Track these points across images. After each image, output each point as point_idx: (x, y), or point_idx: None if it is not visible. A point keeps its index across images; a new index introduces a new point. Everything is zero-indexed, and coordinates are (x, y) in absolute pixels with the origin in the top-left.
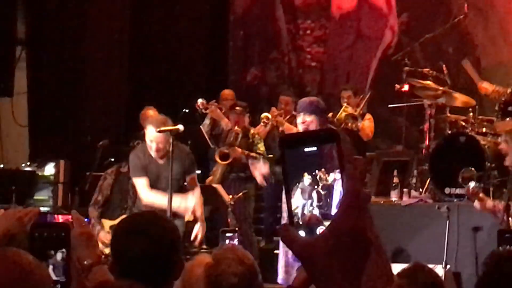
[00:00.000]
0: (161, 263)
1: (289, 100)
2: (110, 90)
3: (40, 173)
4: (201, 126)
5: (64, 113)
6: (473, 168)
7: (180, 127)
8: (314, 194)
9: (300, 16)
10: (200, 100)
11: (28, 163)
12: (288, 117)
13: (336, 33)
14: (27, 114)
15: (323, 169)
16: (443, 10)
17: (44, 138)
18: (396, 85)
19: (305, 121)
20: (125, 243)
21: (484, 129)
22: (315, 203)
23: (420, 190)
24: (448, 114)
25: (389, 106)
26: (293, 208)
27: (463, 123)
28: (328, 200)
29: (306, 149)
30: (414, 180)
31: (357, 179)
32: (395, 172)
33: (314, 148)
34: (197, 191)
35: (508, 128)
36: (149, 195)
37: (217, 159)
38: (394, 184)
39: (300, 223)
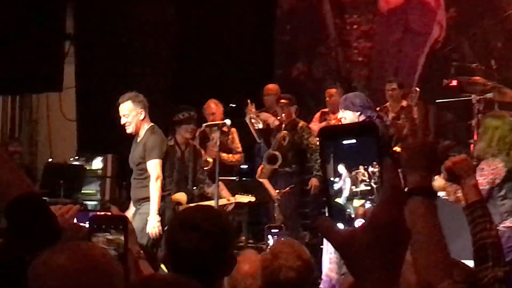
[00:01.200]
0: (215, 259)
1: (334, 92)
2: (157, 84)
3: (88, 167)
4: (246, 119)
5: (112, 107)
6: None
7: (227, 121)
8: (364, 187)
9: (347, 10)
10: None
11: (76, 157)
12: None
13: (384, 27)
14: (75, 108)
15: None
16: (492, 4)
17: (92, 132)
18: (444, 80)
19: (342, 117)
20: (180, 237)
21: None
22: (367, 196)
23: None
24: (497, 110)
25: (437, 101)
26: (339, 201)
27: None
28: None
29: (345, 142)
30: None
31: (396, 172)
32: (442, 168)
33: (353, 141)
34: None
35: None
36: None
37: (266, 163)
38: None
39: (350, 215)
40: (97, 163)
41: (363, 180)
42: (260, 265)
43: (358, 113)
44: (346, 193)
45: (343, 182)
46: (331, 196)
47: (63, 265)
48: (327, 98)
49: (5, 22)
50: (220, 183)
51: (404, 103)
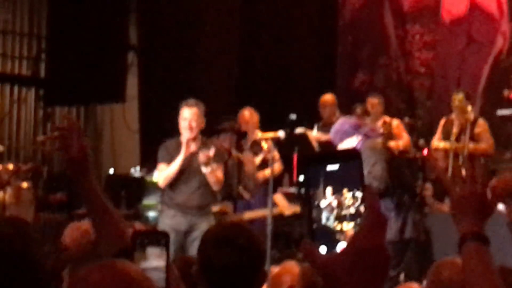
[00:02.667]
0: (247, 274)
1: (375, 102)
2: (219, 96)
3: (148, 179)
4: (307, 132)
5: (174, 118)
6: None
7: (281, 133)
8: (351, 211)
9: (409, 21)
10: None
11: (138, 168)
12: (381, 121)
13: (446, 38)
14: (138, 119)
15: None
16: None
17: (155, 143)
18: (505, 91)
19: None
20: (213, 252)
21: None
22: (355, 219)
23: None
24: None
25: (498, 113)
26: (328, 223)
27: None
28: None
29: (329, 168)
30: None
31: (377, 198)
32: None
33: (337, 167)
34: None
35: None
36: (161, 176)
37: None
38: None
39: (338, 238)
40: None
41: (349, 204)
42: (301, 277)
43: (354, 136)
44: (332, 216)
45: (330, 206)
46: (315, 220)
47: (99, 282)
48: (369, 107)
49: (69, 35)
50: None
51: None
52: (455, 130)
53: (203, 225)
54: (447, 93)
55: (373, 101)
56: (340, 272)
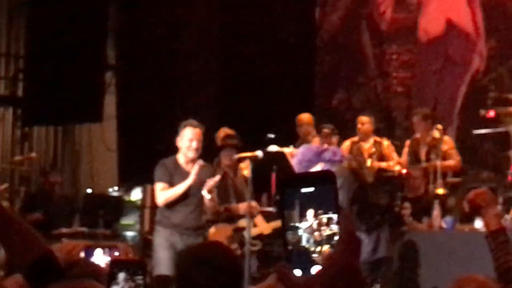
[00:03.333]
0: None
1: (365, 120)
2: (198, 116)
3: (127, 198)
4: (284, 150)
5: (152, 137)
6: None
7: (259, 153)
8: (327, 232)
9: (386, 40)
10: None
11: (116, 188)
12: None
13: (424, 58)
14: (116, 138)
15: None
16: None
17: (133, 163)
18: (481, 110)
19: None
20: (190, 271)
21: None
22: (331, 241)
23: (506, 217)
24: None
25: (474, 132)
26: (306, 245)
27: None
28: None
29: (304, 190)
30: (499, 207)
31: (352, 220)
32: None
33: (312, 189)
34: None
35: None
36: (162, 195)
37: None
38: None
39: (314, 259)
40: (136, 194)
41: (325, 225)
42: None
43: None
44: (312, 239)
45: (311, 227)
46: (290, 241)
47: None
48: (359, 126)
49: (47, 55)
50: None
51: (435, 133)
52: (423, 149)
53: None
54: None
55: (364, 120)
56: None
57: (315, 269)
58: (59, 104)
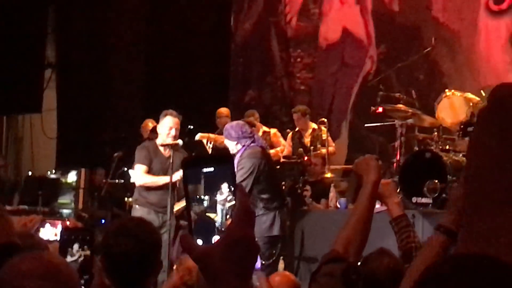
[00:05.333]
0: (142, 262)
1: (250, 114)
2: (128, 108)
3: (63, 180)
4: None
5: (88, 127)
6: (436, 181)
7: (179, 141)
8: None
9: (291, 45)
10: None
11: (54, 171)
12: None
13: (323, 61)
14: (56, 128)
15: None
16: (415, 42)
17: (70, 149)
18: (372, 107)
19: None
20: (112, 241)
21: (447, 147)
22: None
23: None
24: (417, 133)
25: (365, 125)
26: (214, 216)
27: (429, 141)
28: None
29: (205, 169)
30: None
31: (247, 196)
32: None
33: (212, 169)
34: None
35: (465, 145)
36: (142, 178)
37: None
38: None
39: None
40: (72, 176)
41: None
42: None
43: (235, 142)
44: (225, 210)
45: (221, 200)
46: (195, 213)
47: (27, 270)
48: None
49: None
50: None
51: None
52: (306, 140)
53: (172, 222)
54: (323, 108)
55: (248, 113)
56: (215, 261)
57: (215, 239)
58: (2, 96)
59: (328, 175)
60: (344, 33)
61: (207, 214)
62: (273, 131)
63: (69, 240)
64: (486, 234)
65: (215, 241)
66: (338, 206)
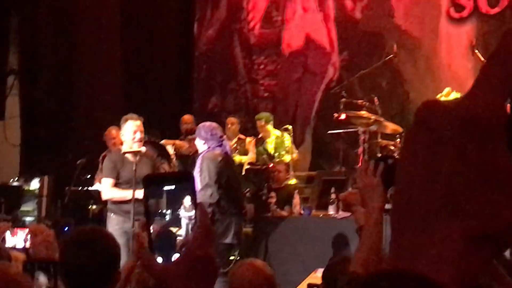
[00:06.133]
0: (101, 274)
1: (234, 121)
2: (92, 115)
3: (26, 187)
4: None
5: (51, 135)
6: None
7: (142, 149)
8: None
9: (255, 52)
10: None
11: (17, 178)
12: (236, 139)
13: (286, 68)
14: (19, 135)
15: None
16: (378, 49)
17: (33, 157)
18: (335, 114)
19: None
20: (70, 253)
21: None
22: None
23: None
24: (379, 140)
25: (329, 132)
26: (176, 230)
27: (392, 147)
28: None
29: (166, 187)
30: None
31: (207, 214)
32: (333, 189)
33: (173, 186)
34: None
35: None
36: (109, 192)
37: None
38: (331, 200)
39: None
40: (35, 184)
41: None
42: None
43: (203, 142)
44: (190, 224)
45: (174, 215)
46: (155, 228)
47: None
48: (229, 126)
49: None
50: None
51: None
52: (270, 147)
53: (135, 230)
54: (287, 114)
55: (232, 120)
56: (175, 279)
57: (174, 257)
58: None
59: (292, 181)
60: (307, 40)
61: (169, 228)
62: (248, 139)
63: (33, 271)
64: (411, 250)
65: (175, 259)
66: (302, 212)
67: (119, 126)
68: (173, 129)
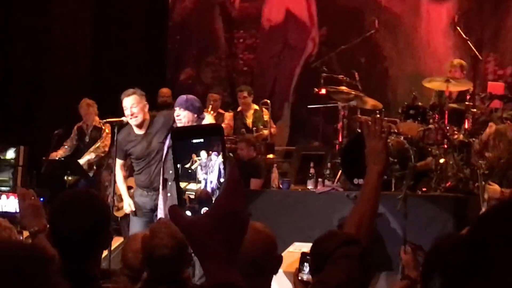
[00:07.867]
0: (92, 236)
1: (217, 97)
2: (69, 88)
3: (2, 157)
4: None
5: (27, 106)
6: None
7: (124, 119)
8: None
9: (235, 26)
10: None
11: None
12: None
13: (265, 42)
14: None
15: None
16: (357, 25)
17: (8, 126)
18: (315, 89)
19: (178, 115)
20: (58, 218)
21: None
22: (215, 178)
23: (333, 180)
24: (359, 115)
25: (308, 107)
26: (196, 187)
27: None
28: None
29: (194, 141)
30: (328, 171)
31: (236, 168)
32: (312, 164)
33: (201, 140)
34: None
35: (407, 128)
36: (116, 174)
37: None
38: (310, 174)
39: (192, 202)
40: (10, 153)
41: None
42: (142, 243)
43: (196, 115)
44: (206, 176)
45: (203, 166)
46: (180, 187)
47: None
48: (211, 102)
49: None
50: None
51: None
52: (248, 120)
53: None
54: (265, 89)
55: (215, 97)
56: (203, 232)
57: (204, 210)
58: None
59: (271, 155)
60: (287, 14)
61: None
62: (227, 114)
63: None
64: None
65: (204, 212)
66: (281, 186)
67: (91, 97)
68: (148, 101)
